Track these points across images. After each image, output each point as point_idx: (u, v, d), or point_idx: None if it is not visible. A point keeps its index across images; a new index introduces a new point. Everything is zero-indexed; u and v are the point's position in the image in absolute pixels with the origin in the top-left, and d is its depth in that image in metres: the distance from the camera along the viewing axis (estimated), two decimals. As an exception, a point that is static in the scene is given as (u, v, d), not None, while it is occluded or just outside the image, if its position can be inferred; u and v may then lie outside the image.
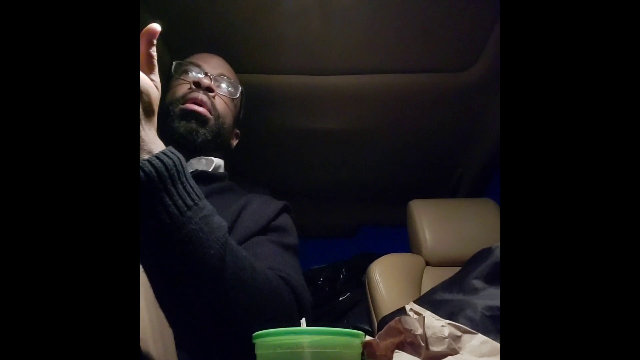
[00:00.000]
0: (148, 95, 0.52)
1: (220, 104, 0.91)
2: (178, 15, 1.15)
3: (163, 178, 0.49)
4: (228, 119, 0.93)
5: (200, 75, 0.90)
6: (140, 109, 0.51)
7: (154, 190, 0.49)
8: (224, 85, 0.93)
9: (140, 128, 0.51)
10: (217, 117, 0.89)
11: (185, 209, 0.51)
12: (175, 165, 0.51)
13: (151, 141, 0.52)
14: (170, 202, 0.49)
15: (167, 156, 0.51)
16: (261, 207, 0.80)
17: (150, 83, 0.53)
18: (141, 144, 0.50)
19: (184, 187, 0.52)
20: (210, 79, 0.90)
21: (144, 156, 0.50)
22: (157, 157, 0.50)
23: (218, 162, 0.90)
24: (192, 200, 0.52)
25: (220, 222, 0.55)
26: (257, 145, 1.51)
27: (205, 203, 0.54)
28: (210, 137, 0.86)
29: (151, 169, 0.48)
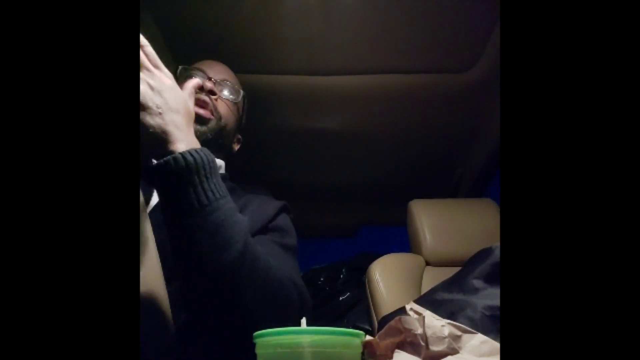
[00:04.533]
0: (188, 109, 0.61)
1: (222, 106, 0.93)
2: (180, 18, 1.16)
3: (205, 165, 0.57)
4: (230, 122, 0.95)
5: (204, 79, 0.93)
6: (186, 117, 0.60)
7: (199, 173, 0.56)
8: (226, 90, 0.96)
9: (186, 130, 0.59)
10: (219, 118, 0.91)
11: (219, 196, 0.57)
12: (212, 161, 0.59)
13: (192, 142, 0.59)
14: (208, 187, 0.56)
15: (206, 153, 0.58)
16: (260, 207, 0.81)
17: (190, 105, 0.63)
18: (184, 140, 0.57)
19: (217, 181, 0.59)
20: (213, 83, 0.93)
21: (185, 145, 0.57)
22: (200, 149, 0.57)
23: (219, 163, 0.91)
24: (223, 192, 0.59)
25: (242, 216, 0.61)
26: (257, 145, 1.52)
27: (230, 199, 0.60)
28: (210, 137, 0.88)
29: (197, 156, 0.56)
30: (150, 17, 1.15)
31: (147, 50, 0.58)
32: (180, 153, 0.55)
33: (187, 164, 0.55)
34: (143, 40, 0.57)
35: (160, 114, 0.55)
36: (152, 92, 0.56)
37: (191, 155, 0.56)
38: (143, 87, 0.55)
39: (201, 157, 0.57)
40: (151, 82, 0.56)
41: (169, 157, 0.55)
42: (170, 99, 0.57)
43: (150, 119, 0.55)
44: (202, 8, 1.12)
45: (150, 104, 0.55)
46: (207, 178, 0.57)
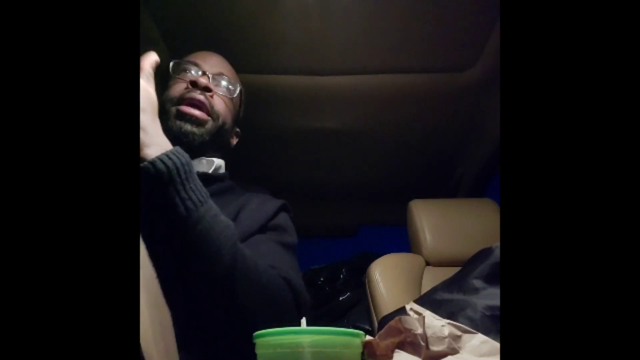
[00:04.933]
0: (151, 101, 0.56)
1: (218, 103, 0.88)
2: (177, 15, 1.15)
3: (179, 171, 0.53)
4: (227, 119, 0.90)
5: (198, 74, 0.88)
6: (151, 113, 0.54)
7: (174, 181, 0.52)
8: (222, 85, 0.90)
9: (152, 129, 0.54)
10: (216, 117, 0.86)
11: (199, 203, 0.54)
12: (187, 164, 0.54)
13: (161, 142, 0.54)
14: (186, 196, 0.52)
15: (180, 154, 0.54)
16: (259, 206, 0.80)
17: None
18: (151, 144, 0.53)
19: (195, 185, 0.55)
20: (208, 78, 0.87)
21: (155, 150, 0.53)
22: (172, 152, 0.53)
23: (219, 162, 0.88)
24: (202, 197, 0.55)
25: (227, 221, 0.58)
26: (257, 145, 1.51)
27: (212, 202, 0.57)
28: (207, 139, 0.84)
29: (169, 162, 0.52)
30: (148, 15, 1.15)
31: None
32: (151, 162, 0.51)
33: (158, 173, 0.51)
34: None
35: None
36: None
37: (162, 162, 0.52)
38: None
39: (174, 163, 0.53)
40: None
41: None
42: None
43: None
44: (200, 7, 1.12)
45: None
46: (183, 185, 0.53)
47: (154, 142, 0.54)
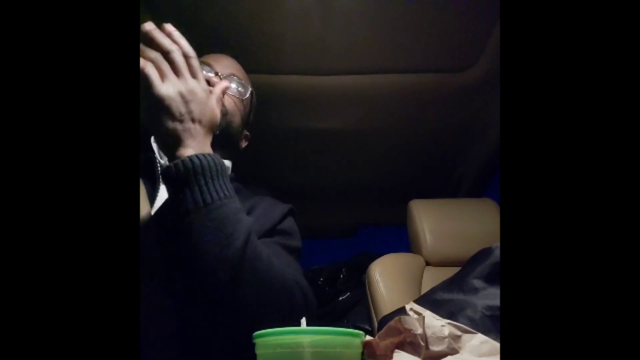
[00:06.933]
0: (212, 119, 0.63)
1: (229, 103, 0.90)
2: (178, 16, 1.15)
3: (211, 168, 0.59)
4: (237, 119, 0.92)
5: (210, 75, 0.89)
6: (207, 127, 0.62)
7: (204, 174, 0.58)
8: (233, 85, 0.93)
9: (201, 138, 0.61)
10: (225, 114, 0.87)
11: (224, 196, 0.59)
12: (218, 165, 0.60)
13: (203, 148, 0.61)
14: (212, 188, 0.58)
15: (214, 157, 0.60)
16: (267, 210, 0.81)
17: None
18: (193, 147, 0.59)
19: (223, 182, 0.60)
20: (220, 78, 0.89)
21: (191, 151, 0.59)
22: (209, 154, 0.60)
23: (226, 163, 0.90)
24: (229, 192, 0.61)
25: (248, 218, 0.62)
26: (258, 145, 1.51)
27: (237, 200, 0.62)
28: (217, 132, 0.85)
29: (203, 159, 0.58)
30: (149, 16, 1.15)
31: (191, 62, 0.60)
32: (188, 157, 0.58)
33: (193, 167, 0.57)
34: (191, 51, 0.60)
35: (181, 121, 0.58)
36: (180, 99, 0.58)
37: (197, 158, 0.58)
38: (173, 92, 0.57)
39: (207, 161, 0.59)
40: (182, 89, 0.58)
41: (174, 162, 0.57)
42: (195, 110, 0.60)
43: (170, 124, 0.58)
44: (201, 8, 1.12)
45: (174, 110, 0.57)
46: (212, 179, 0.59)
47: (197, 146, 0.59)
